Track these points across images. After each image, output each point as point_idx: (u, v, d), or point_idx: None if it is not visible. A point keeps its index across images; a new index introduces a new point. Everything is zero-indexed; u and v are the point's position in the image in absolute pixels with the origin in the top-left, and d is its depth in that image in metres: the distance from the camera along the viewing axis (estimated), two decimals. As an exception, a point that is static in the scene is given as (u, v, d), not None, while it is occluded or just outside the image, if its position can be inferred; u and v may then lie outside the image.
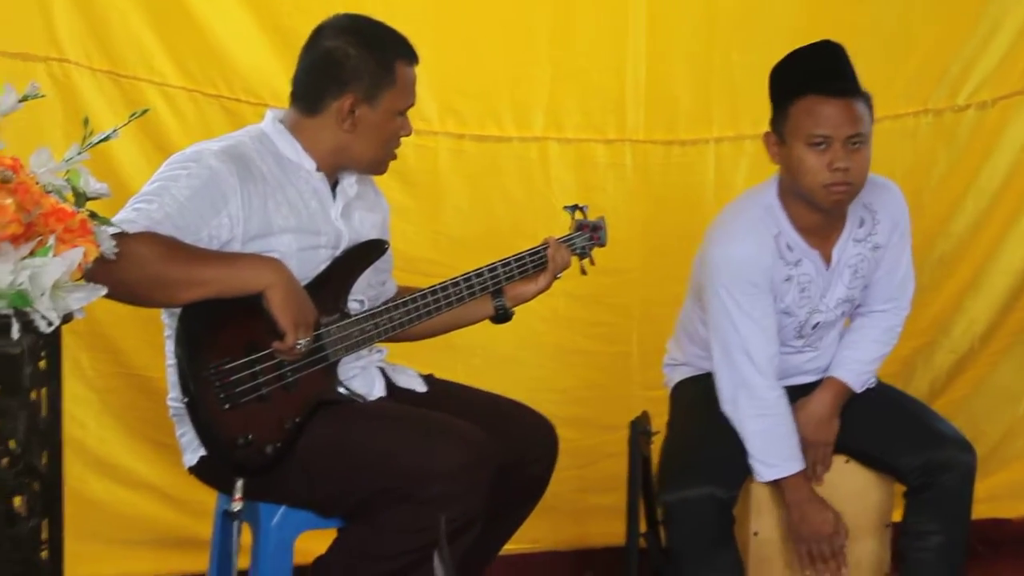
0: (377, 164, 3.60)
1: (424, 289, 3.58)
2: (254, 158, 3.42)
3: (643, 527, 4.14)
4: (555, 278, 3.76)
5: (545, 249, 3.74)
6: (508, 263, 3.68)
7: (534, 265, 3.73)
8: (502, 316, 3.78)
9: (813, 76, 3.76)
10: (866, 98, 3.79)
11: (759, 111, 3.96)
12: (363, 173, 3.63)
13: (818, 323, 3.97)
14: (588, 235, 3.87)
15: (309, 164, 3.49)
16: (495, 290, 3.71)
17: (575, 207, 3.89)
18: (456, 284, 3.60)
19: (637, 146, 4.94)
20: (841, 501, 3.93)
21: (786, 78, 3.81)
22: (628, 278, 4.90)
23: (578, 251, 3.85)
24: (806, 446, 3.91)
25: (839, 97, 3.73)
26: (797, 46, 3.85)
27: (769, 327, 3.86)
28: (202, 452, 3.38)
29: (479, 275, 3.63)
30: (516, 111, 4.84)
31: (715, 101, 4.93)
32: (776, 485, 3.88)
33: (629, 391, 4.86)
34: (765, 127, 3.88)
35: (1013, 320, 5.28)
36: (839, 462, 3.98)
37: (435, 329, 3.76)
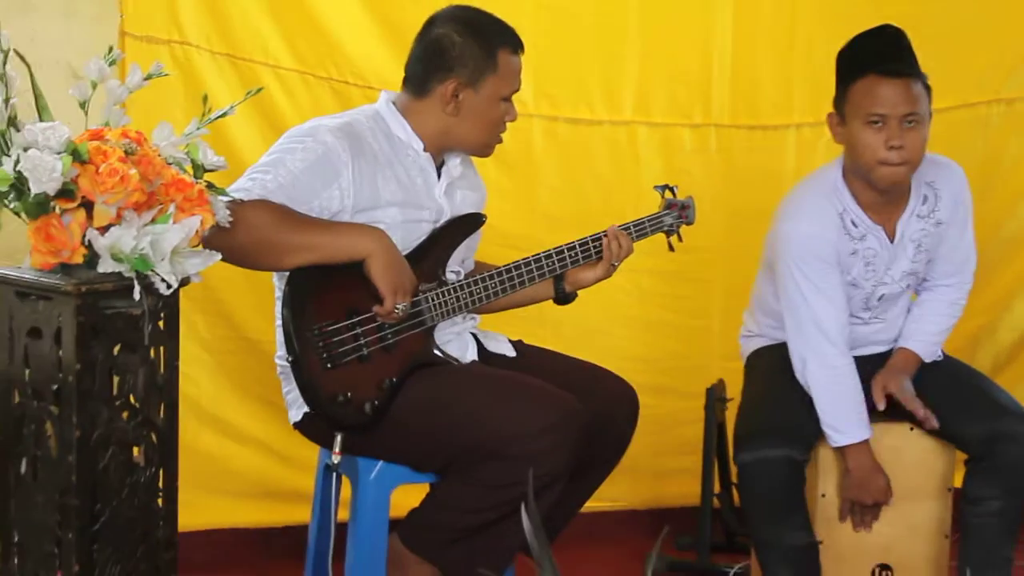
0: (482, 147, 3.64)
1: (506, 265, 3.60)
2: (367, 135, 3.47)
3: (717, 488, 4.18)
4: (613, 266, 3.71)
5: (604, 236, 3.70)
6: (573, 247, 3.66)
7: (596, 251, 3.70)
8: (562, 298, 3.77)
9: (872, 57, 3.78)
10: (923, 79, 3.80)
11: (837, 98, 3.97)
12: (469, 154, 3.68)
13: (883, 295, 3.97)
14: (677, 213, 3.86)
15: (417, 144, 3.53)
16: (558, 275, 3.71)
17: (665, 187, 3.88)
18: (528, 264, 3.61)
19: (722, 130, 4.94)
20: (905, 467, 3.94)
21: (847, 60, 3.84)
22: (710, 255, 4.89)
23: (666, 228, 3.85)
24: (895, 395, 3.91)
25: (895, 77, 3.75)
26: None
27: (838, 299, 3.87)
28: (305, 409, 3.44)
29: (548, 256, 3.63)
30: (607, 96, 4.85)
31: (797, 88, 4.92)
32: (840, 451, 3.89)
33: (709, 362, 4.85)
34: (844, 115, 3.90)
35: (1074, 298, 5.26)
36: (904, 430, 3.97)
37: (504, 305, 3.76)
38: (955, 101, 4.82)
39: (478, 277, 3.56)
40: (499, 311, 3.81)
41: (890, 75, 3.75)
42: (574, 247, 3.66)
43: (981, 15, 5.02)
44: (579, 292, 3.80)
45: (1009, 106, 5.10)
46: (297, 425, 3.55)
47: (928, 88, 3.80)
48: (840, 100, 3.83)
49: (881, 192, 3.86)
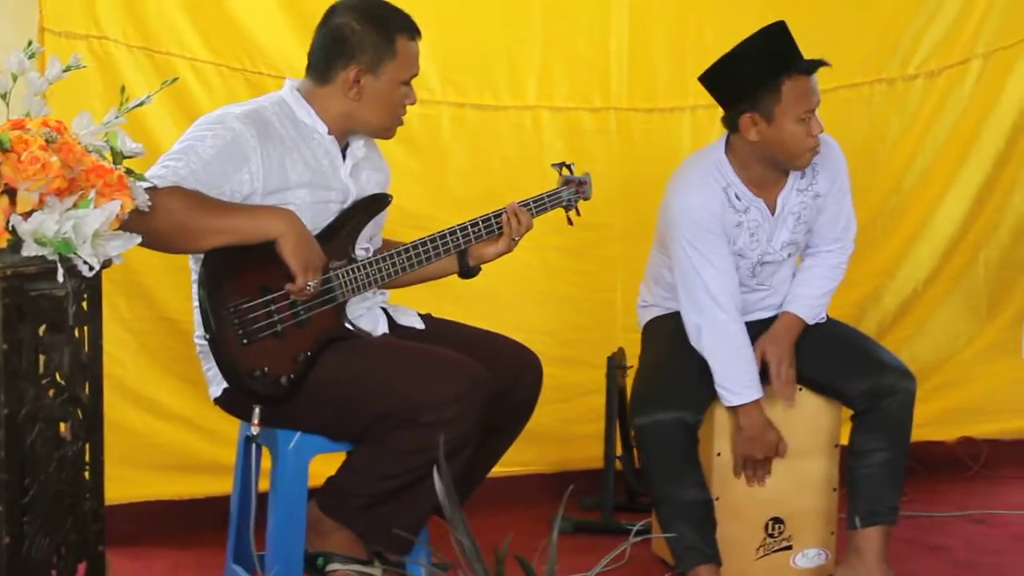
0: (384, 130, 3.69)
1: (412, 242, 3.65)
2: (273, 121, 3.52)
3: (619, 451, 4.26)
4: (514, 241, 3.75)
5: (503, 213, 3.75)
6: (476, 223, 3.71)
7: (499, 227, 3.74)
8: (467, 272, 3.81)
9: (794, 58, 3.89)
10: None
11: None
12: (372, 137, 3.72)
13: (767, 262, 4.09)
14: (574, 189, 3.90)
15: (322, 128, 3.58)
16: (463, 250, 3.76)
17: (562, 164, 3.93)
18: (432, 240, 3.65)
19: (620, 113, 5.04)
20: (793, 425, 4.06)
21: (767, 62, 3.90)
22: (612, 232, 4.99)
23: (564, 203, 3.90)
24: (770, 363, 4.03)
25: (812, 73, 3.90)
26: (764, 21, 3.94)
27: (726, 268, 3.99)
28: (225, 384, 3.48)
29: (452, 233, 3.68)
30: (511, 82, 4.93)
31: (691, 72, 4.92)
32: (732, 411, 4.00)
33: (612, 333, 4.92)
34: (733, 96, 3.98)
35: (952, 266, 5.40)
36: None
37: (410, 281, 3.80)
38: (840, 82, 4.93)
39: (386, 254, 3.61)
40: (407, 286, 3.86)
41: (809, 72, 3.89)
42: (477, 223, 3.72)
43: (861, 5, 5.17)
44: (484, 267, 3.85)
45: (890, 85, 5.25)
46: (217, 400, 3.60)
47: None
48: (764, 101, 3.89)
49: (767, 170, 4.00)
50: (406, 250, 3.64)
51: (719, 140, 4.08)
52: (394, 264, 3.61)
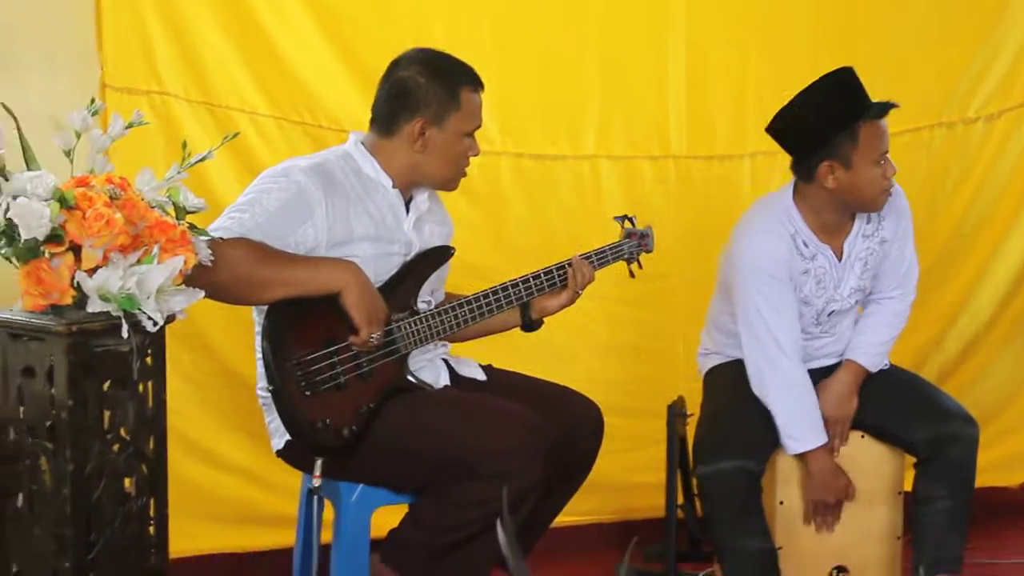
0: (448, 181, 3.71)
1: (475, 294, 3.67)
2: (338, 174, 3.55)
3: (681, 499, 4.25)
4: (577, 293, 3.77)
5: (568, 266, 3.76)
6: (538, 276, 3.73)
7: (561, 280, 3.76)
8: (529, 325, 3.84)
9: (866, 103, 3.90)
10: None
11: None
12: (436, 189, 3.74)
13: (834, 311, 4.08)
14: (636, 242, 3.91)
15: (386, 181, 3.60)
16: (525, 303, 3.77)
17: (624, 217, 3.95)
18: (495, 292, 3.67)
19: (679, 162, 5.03)
20: (857, 472, 4.03)
21: (843, 109, 3.90)
22: (673, 281, 4.97)
23: (626, 256, 3.92)
24: (827, 422, 4.00)
25: (884, 116, 3.92)
26: (820, 67, 3.96)
27: (791, 314, 3.98)
28: (287, 437, 3.50)
29: (514, 285, 3.70)
30: (570, 132, 4.94)
31: (749, 119, 4.99)
32: (800, 457, 3.98)
33: (675, 382, 4.86)
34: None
35: (1013, 309, 5.36)
36: (856, 437, 4.07)
37: (473, 334, 3.83)
38: (901, 126, 4.90)
39: (448, 306, 3.63)
40: (470, 339, 3.88)
41: (881, 116, 3.90)
42: (539, 276, 3.72)
43: (921, 48, 5.17)
44: (546, 320, 3.86)
45: (950, 129, 5.24)
46: (280, 453, 3.61)
47: None
48: (842, 148, 3.89)
49: (835, 215, 3.99)
50: (468, 302, 3.64)
51: (786, 187, 4.07)
52: (456, 316, 3.62)
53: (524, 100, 4.86)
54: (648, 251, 3.97)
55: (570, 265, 3.76)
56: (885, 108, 3.89)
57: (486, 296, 3.66)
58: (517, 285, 3.70)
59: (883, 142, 3.89)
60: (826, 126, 3.90)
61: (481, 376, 3.80)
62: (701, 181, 5.06)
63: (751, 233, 4.04)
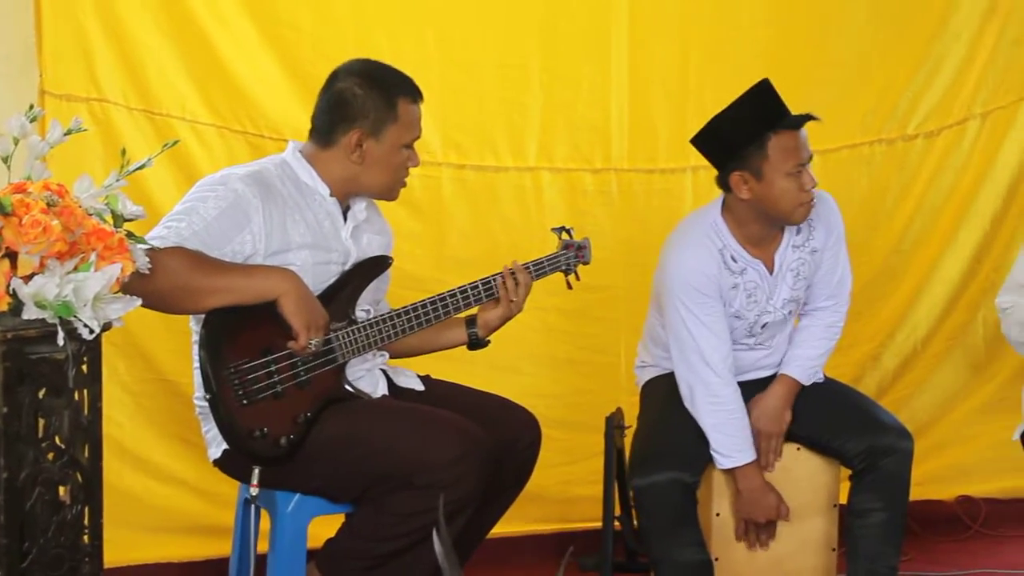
0: (387, 192, 3.71)
1: (412, 304, 3.67)
2: (275, 182, 3.55)
3: (618, 511, 4.27)
4: (512, 303, 3.75)
5: (497, 277, 3.76)
6: (476, 286, 3.74)
7: (489, 292, 3.76)
8: (475, 343, 3.84)
9: (779, 114, 3.91)
10: None
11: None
12: (375, 199, 3.75)
13: (767, 323, 4.10)
14: (573, 253, 3.92)
15: (324, 189, 3.61)
16: (469, 319, 3.80)
17: (562, 228, 3.96)
18: (433, 303, 3.67)
19: (621, 175, 5.05)
20: (792, 485, 4.06)
21: (753, 121, 3.92)
22: (614, 294, 4.99)
23: (563, 268, 3.92)
24: (760, 436, 4.03)
25: (800, 128, 3.91)
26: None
27: (720, 330, 3.99)
28: (224, 446, 3.49)
29: (452, 295, 3.70)
30: (511, 144, 4.95)
31: (691, 133, 4.92)
32: (730, 473, 4.00)
33: (616, 396, 4.85)
34: (737, 155, 4.01)
35: (950, 325, 5.42)
36: (791, 450, 4.10)
37: (420, 349, 3.86)
38: (841, 142, 4.98)
39: (385, 315, 3.63)
40: (414, 355, 3.89)
41: (797, 127, 3.90)
42: (476, 285, 3.73)
43: (861, 64, 5.21)
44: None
45: (890, 145, 5.28)
46: (217, 462, 3.61)
47: None
48: (752, 160, 3.91)
49: (764, 228, 4.01)
50: (406, 311, 3.65)
51: (715, 201, 4.09)
52: (394, 326, 3.63)
53: (467, 111, 4.88)
54: (585, 263, 3.97)
55: (500, 274, 3.76)
56: (798, 120, 3.90)
57: (424, 305, 3.67)
58: (455, 295, 3.70)
59: (797, 154, 3.88)
60: (735, 137, 3.93)
61: (419, 386, 3.81)
62: (643, 194, 5.08)
63: (678, 249, 4.06)
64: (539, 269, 3.86)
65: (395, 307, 3.74)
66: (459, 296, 3.71)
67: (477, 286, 3.74)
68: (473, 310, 3.79)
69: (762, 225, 4.00)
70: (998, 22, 5.35)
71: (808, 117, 3.91)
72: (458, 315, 3.75)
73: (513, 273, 3.76)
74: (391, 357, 3.85)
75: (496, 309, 3.78)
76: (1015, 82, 5.41)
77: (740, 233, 4.01)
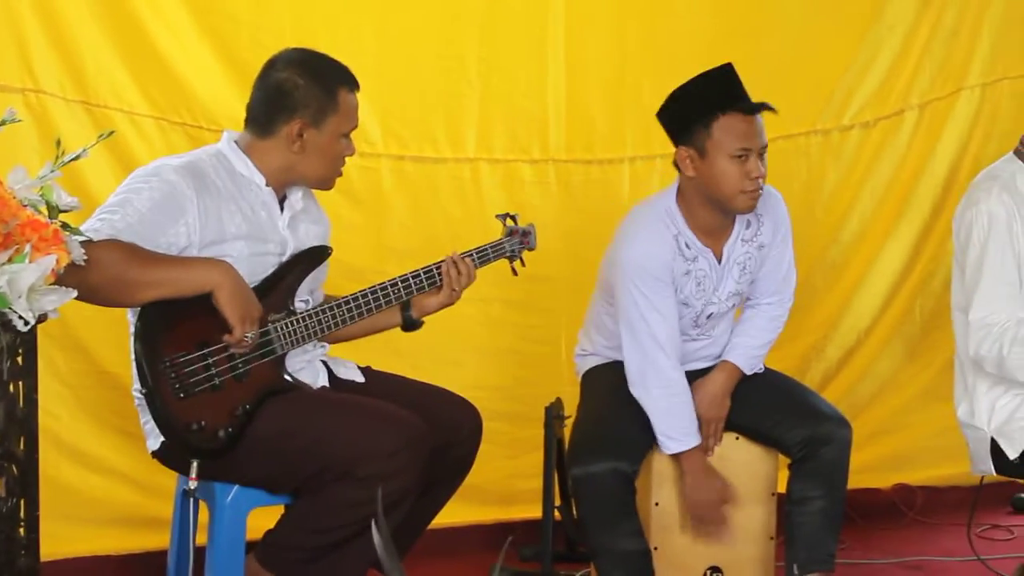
0: (324, 181, 3.71)
1: (352, 294, 3.67)
2: (210, 173, 3.54)
3: (559, 501, 4.28)
4: (454, 291, 3.78)
5: (441, 265, 3.78)
6: (417, 275, 3.75)
7: (440, 278, 3.78)
8: (409, 325, 3.86)
9: (732, 97, 3.91)
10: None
11: (667, 132, 4.10)
12: (311, 188, 3.74)
13: (712, 313, 4.11)
14: (518, 240, 3.95)
15: (259, 180, 3.60)
16: (404, 302, 3.79)
17: (506, 215, 3.97)
18: (373, 292, 3.68)
19: (559, 165, 5.07)
20: (731, 473, 4.07)
21: (702, 99, 3.93)
22: (554, 284, 5.00)
23: (508, 254, 3.94)
24: (701, 422, 4.05)
25: (753, 113, 3.90)
26: (699, 72, 3.97)
27: (672, 316, 3.99)
28: (163, 438, 3.47)
29: (393, 285, 3.71)
30: (450, 135, 4.96)
31: (628, 124, 5.07)
32: (675, 458, 4.01)
33: (558, 388, 4.84)
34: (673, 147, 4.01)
35: (891, 315, 5.48)
36: (730, 439, 4.12)
37: (354, 334, 3.85)
38: (777, 132, 4.99)
39: (325, 306, 3.63)
40: (352, 339, 3.89)
41: (750, 112, 3.89)
42: (418, 275, 3.74)
43: (797, 55, 5.25)
44: (429, 321, 3.87)
45: (825, 136, 5.34)
46: (155, 454, 3.59)
47: None
48: (698, 136, 3.90)
49: (716, 218, 4.00)
50: (346, 302, 3.66)
51: (670, 188, 4.08)
52: (334, 316, 3.63)
53: (405, 102, 4.88)
54: (531, 248, 4.00)
55: (444, 263, 3.78)
56: (749, 106, 3.89)
57: (364, 296, 3.67)
58: (396, 284, 3.71)
59: (743, 139, 3.87)
60: (686, 112, 3.94)
61: (360, 378, 3.82)
62: (580, 184, 5.10)
63: (634, 234, 4.06)
64: (482, 256, 3.87)
65: (333, 298, 3.74)
66: (400, 285, 3.72)
67: (419, 275, 3.75)
68: None
69: (711, 211, 4.00)
70: (934, 13, 5.41)
71: (763, 106, 3.91)
72: None
73: (455, 263, 3.78)
74: (336, 342, 3.85)
75: (436, 296, 3.79)
76: (953, 73, 5.47)
77: (693, 221, 4.02)
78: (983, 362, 3.91)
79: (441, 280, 3.77)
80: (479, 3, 4.92)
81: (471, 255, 3.84)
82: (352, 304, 3.65)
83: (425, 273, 3.76)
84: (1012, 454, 3.93)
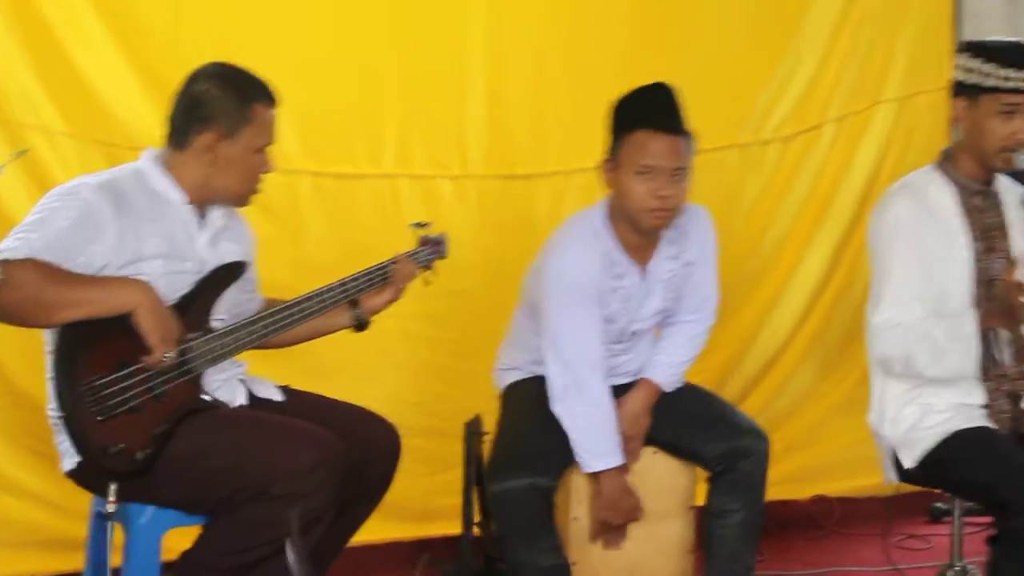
0: (240, 196, 3.70)
1: (284, 302, 3.69)
2: (128, 192, 3.52)
3: (479, 517, 4.29)
4: (400, 289, 3.86)
5: (392, 264, 3.85)
6: (357, 277, 3.79)
7: (382, 278, 3.84)
8: (360, 325, 3.89)
9: (646, 112, 3.93)
10: (689, 136, 3.96)
11: (587, 148, 4.12)
12: (228, 204, 3.72)
13: (636, 330, 4.14)
14: (431, 249, 3.98)
15: (179, 197, 3.58)
16: (352, 302, 3.83)
17: (419, 224, 4.01)
18: (310, 298, 3.71)
19: (479, 181, 5.08)
20: (650, 487, 4.09)
21: (623, 112, 3.96)
22: (473, 299, 5.00)
23: (422, 263, 3.97)
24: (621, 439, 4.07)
25: (667, 133, 3.90)
26: (620, 88, 4.00)
27: (597, 332, 4.01)
28: (78, 458, 3.43)
29: (330, 289, 3.74)
30: (369, 151, 4.96)
31: (548, 140, 5.07)
32: (594, 475, 4.02)
33: (478, 403, 4.76)
34: (593, 162, 4.03)
35: (808, 328, 5.55)
36: (648, 453, 4.13)
37: (299, 337, 3.86)
38: (698, 147, 5.02)
39: (248, 320, 3.63)
40: (294, 343, 3.90)
41: (662, 130, 3.90)
42: (358, 276, 3.81)
43: (716, 71, 5.29)
44: (344, 338, 3.91)
45: (744, 150, 5.37)
46: (70, 474, 3.54)
47: (692, 143, 3.98)
48: (614, 149, 3.95)
49: (642, 235, 4.02)
50: (262, 318, 3.66)
51: (600, 203, 4.09)
52: (252, 332, 3.62)
53: (325, 119, 4.88)
54: (443, 257, 4.04)
55: (395, 263, 3.85)
56: (661, 123, 3.90)
57: (281, 311, 3.69)
58: (312, 298, 3.74)
59: (649, 156, 3.86)
60: (610, 122, 3.98)
61: (278, 397, 3.81)
62: (500, 200, 5.10)
63: (563, 249, 4.06)
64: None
65: (275, 301, 3.78)
66: (316, 298, 3.74)
67: (334, 288, 3.77)
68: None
69: (628, 226, 4.01)
70: (850, 30, 5.48)
71: (675, 127, 3.92)
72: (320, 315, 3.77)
73: (395, 262, 3.85)
74: (272, 347, 3.83)
75: (383, 294, 3.86)
76: (869, 88, 5.54)
77: (620, 237, 4.03)
78: (891, 362, 3.95)
79: (381, 281, 3.84)
80: (399, 20, 4.91)
81: (384, 266, 3.88)
82: (270, 319, 3.66)
83: (378, 269, 3.82)
84: (908, 463, 3.98)
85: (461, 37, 4.99)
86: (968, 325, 3.85)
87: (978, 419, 3.90)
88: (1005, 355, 3.96)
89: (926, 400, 3.96)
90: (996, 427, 3.91)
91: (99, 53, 4.54)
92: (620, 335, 4.13)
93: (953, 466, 3.88)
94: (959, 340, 3.85)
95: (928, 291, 3.91)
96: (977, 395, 3.93)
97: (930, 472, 3.95)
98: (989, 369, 3.93)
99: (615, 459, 4.01)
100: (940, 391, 3.93)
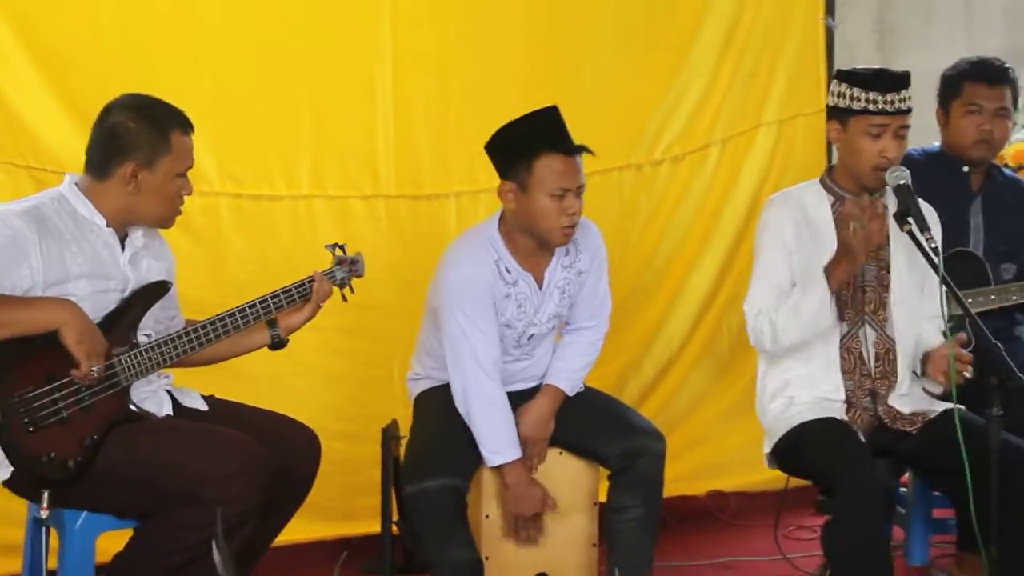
0: (163, 220, 3.71)
1: (204, 320, 3.69)
2: (52, 216, 3.52)
3: (397, 516, 4.31)
4: (318, 307, 3.85)
5: (310, 282, 3.83)
6: (277, 295, 3.78)
7: (300, 296, 3.82)
8: (277, 344, 3.88)
9: (552, 137, 3.99)
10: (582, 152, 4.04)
11: (490, 168, 4.14)
12: (151, 227, 3.73)
13: (533, 335, 4.19)
14: (347, 268, 3.98)
15: (100, 220, 3.59)
16: (270, 321, 3.82)
17: (335, 245, 4.01)
18: (232, 315, 3.71)
19: (389, 200, 5.06)
20: (556, 486, 4.15)
21: (525, 139, 4.00)
22: (386, 312, 4.99)
23: (339, 282, 3.97)
24: (527, 443, 4.11)
25: (571, 155, 3.99)
26: (521, 111, 4.06)
27: (493, 335, 4.07)
28: (12, 468, 3.44)
29: (252, 306, 3.74)
30: (285, 173, 4.93)
31: (453, 160, 5.08)
32: (498, 471, 4.07)
33: (393, 409, 4.76)
34: (497, 181, 4.08)
35: (701, 335, 5.60)
36: (554, 454, 4.19)
37: (219, 355, 3.86)
38: (594, 168, 5.05)
39: (167, 338, 3.63)
40: (213, 362, 3.90)
41: (570, 153, 3.98)
42: (277, 294, 3.79)
43: (610, 95, 5.32)
44: (266, 351, 3.91)
45: (638, 170, 5.42)
46: (6, 483, 3.55)
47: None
48: (520, 173, 3.98)
49: (536, 245, 4.09)
50: (186, 333, 3.66)
51: (493, 217, 4.16)
52: (175, 347, 3.63)
53: (241, 143, 4.85)
54: (359, 275, 4.03)
55: (311, 281, 3.83)
56: (569, 148, 3.98)
57: (203, 326, 3.69)
58: (235, 315, 3.73)
59: (563, 178, 3.95)
60: (510, 148, 4.02)
61: (203, 406, 3.81)
62: (409, 218, 5.10)
63: (457, 258, 4.13)
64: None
65: (193, 322, 3.75)
66: (238, 316, 3.73)
67: (254, 305, 3.76)
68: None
69: (530, 240, 4.08)
70: (734, 57, 5.53)
71: (582, 148, 4.00)
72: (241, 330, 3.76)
73: (312, 280, 3.83)
74: (195, 365, 3.84)
75: (301, 312, 3.84)
76: (751, 111, 5.60)
77: (513, 247, 4.09)
78: (762, 344, 4.07)
79: (300, 299, 3.81)
80: (310, 49, 4.89)
81: (303, 284, 3.86)
82: (193, 335, 3.66)
83: (297, 288, 3.81)
84: (767, 449, 4.14)
85: (369, 65, 4.98)
86: (823, 292, 3.92)
87: (835, 413, 4.01)
88: (870, 354, 4.06)
89: (792, 394, 4.07)
90: (854, 422, 4.01)
91: (24, 83, 4.49)
92: (519, 339, 4.18)
93: (797, 453, 4.02)
94: (814, 302, 3.93)
95: (790, 282, 4.03)
96: (840, 391, 4.04)
97: (784, 459, 4.10)
98: (855, 368, 4.04)
99: (514, 452, 4.06)
100: (806, 386, 4.05)
